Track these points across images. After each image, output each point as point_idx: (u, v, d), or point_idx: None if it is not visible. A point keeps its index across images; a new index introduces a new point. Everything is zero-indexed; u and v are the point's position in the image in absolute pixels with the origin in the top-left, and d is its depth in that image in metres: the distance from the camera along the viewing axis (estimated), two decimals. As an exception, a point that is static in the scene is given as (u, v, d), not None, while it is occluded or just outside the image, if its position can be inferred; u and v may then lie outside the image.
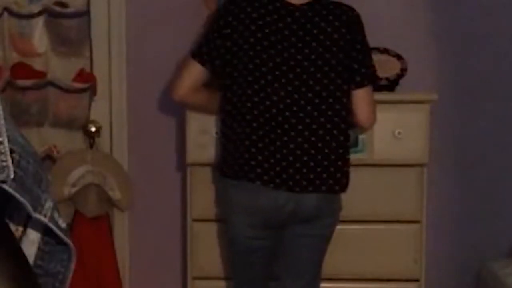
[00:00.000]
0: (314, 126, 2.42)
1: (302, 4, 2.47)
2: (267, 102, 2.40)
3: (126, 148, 3.17)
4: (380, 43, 2.96)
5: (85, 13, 3.04)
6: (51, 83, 3.03)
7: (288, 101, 2.40)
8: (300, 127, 2.41)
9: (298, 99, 2.40)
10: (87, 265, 2.98)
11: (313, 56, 2.42)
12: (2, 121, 0.96)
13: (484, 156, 3.13)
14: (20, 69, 3.02)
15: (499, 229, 3.12)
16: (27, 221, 1.08)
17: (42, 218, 1.03)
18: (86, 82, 3.06)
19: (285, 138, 2.40)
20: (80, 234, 2.96)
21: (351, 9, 2.51)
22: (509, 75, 3.11)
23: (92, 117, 3.11)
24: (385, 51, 2.99)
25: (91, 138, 3.11)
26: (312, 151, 2.42)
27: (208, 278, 2.74)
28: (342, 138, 2.45)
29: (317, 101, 2.41)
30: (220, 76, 2.50)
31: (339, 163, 2.46)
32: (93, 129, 3.10)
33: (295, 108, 2.40)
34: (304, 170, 2.41)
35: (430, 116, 2.79)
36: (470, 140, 3.13)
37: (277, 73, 2.40)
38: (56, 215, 1.07)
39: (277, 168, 2.40)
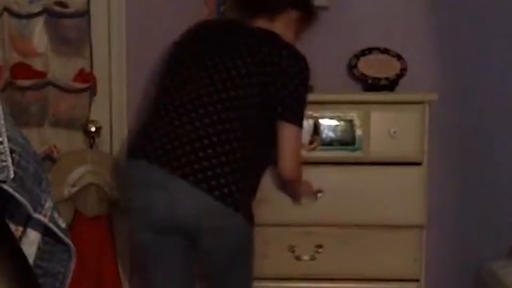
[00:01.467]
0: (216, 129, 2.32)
1: (258, 28, 2.49)
2: (180, 96, 2.39)
3: (126, 148, 3.17)
4: (380, 43, 2.96)
5: (85, 13, 3.04)
6: (51, 83, 3.03)
7: (206, 100, 2.35)
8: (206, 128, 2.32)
9: (210, 97, 2.35)
10: (87, 265, 2.98)
11: (241, 70, 2.37)
12: (2, 121, 0.96)
13: (484, 156, 3.13)
14: (20, 69, 3.02)
15: (499, 229, 3.12)
16: (27, 221, 1.08)
17: (42, 218, 1.03)
18: (86, 82, 3.06)
19: (185, 126, 2.34)
20: (80, 234, 2.96)
21: (301, 57, 2.43)
22: (509, 75, 3.11)
23: (92, 117, 3.11)
24: (385, 51, 2.99)
25: (91, 138, 3.11)
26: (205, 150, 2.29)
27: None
28: (240, 154, 2.30)
29: (227, 104, 2.34)
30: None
31: (234, 175, 2.28)
32: (93, 129, 3.10)
33: (209, 108, 2.34)
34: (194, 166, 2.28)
35: (429, 115, 2.78)
36: (470, 140, 3.12)
37: (199, 75, 2.40)
38: (56, 215, 1.07)
39: (166, 154, 2.32)
